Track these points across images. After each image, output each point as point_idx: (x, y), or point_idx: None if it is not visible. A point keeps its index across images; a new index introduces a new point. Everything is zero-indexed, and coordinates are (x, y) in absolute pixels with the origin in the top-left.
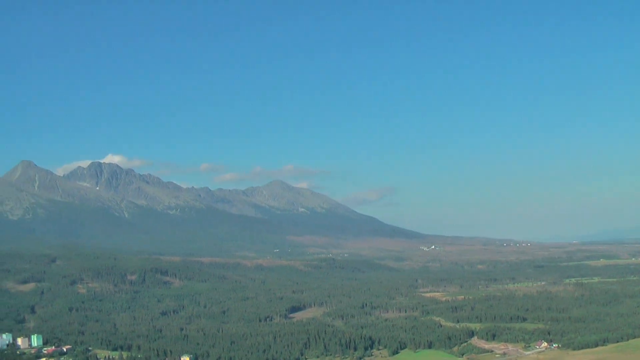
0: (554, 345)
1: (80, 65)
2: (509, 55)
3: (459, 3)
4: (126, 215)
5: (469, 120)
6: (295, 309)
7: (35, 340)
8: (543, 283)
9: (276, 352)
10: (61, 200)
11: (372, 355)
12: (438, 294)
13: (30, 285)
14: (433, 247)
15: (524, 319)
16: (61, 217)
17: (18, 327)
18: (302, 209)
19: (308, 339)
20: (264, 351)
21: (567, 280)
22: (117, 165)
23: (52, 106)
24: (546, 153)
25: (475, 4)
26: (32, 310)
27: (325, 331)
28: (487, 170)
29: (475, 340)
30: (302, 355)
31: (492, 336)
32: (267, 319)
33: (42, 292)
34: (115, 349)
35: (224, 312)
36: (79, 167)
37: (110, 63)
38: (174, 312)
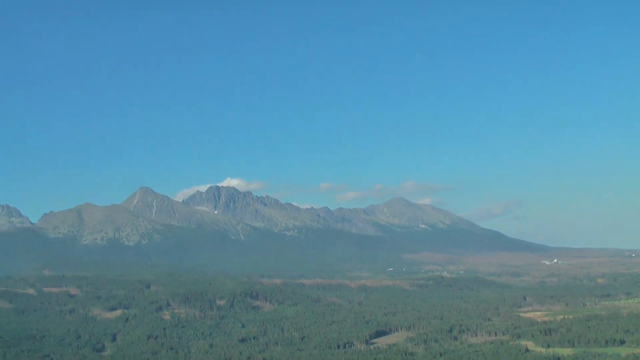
0: None
1: (198, 91)
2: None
3: None
4: (242, 238)
5: (598, 129)
6: (380, 334)
7: None
8: None
9: None
10: (178, 225)
11: None
12: (539, 313)
13: (117, 312)
14: (555, 260)
15: (622, 342)
16: (177, 241)
17: (94, 356)
18: (423, 225)
19: None
20: None
21: None
22: (235, 189)
23: (172, 133)
24: None
25: None
26: (114, 338)
27: None
28: (619, 176)
29: None
30: None
31: None
32: (347, 345)
33: (127, 319)
34: None
35: (302, 339)
36: (198, 191)
37: (227, 86)
38: (253, 338)
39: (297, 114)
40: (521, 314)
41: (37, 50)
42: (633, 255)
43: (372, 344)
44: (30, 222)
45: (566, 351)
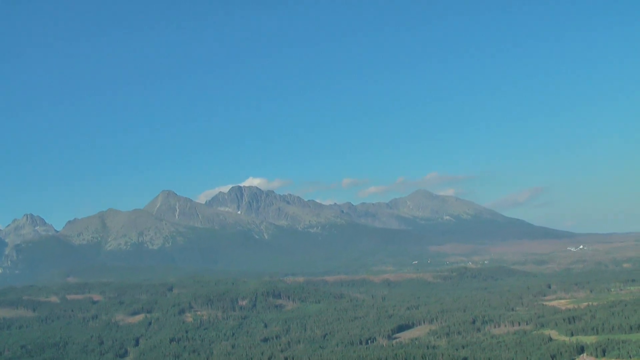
0: None
1: (216, 93)
2: None
3: None
4: (266, 237)
5: (621, 113)
6: (403, 328)
7: None
8: None
9: None
10: (201, 227)
11: None
12: (564, 301)
13: (140, 317)
14: (581, 246)
15: None
16: (201, 243)
17: None
18: (447, 217)
19: None
20: None
21: None
22: (258, 188)
23: (192, 135)
24: None
25: None
26: (137, 343)
27: (414, 356)
28: None
29: (583, 358)
30: None
31: (603, 352)
32: (369, 341)
33: (150, 323)
34: None
35: (324, 336)
36: (220, 192)
37: (245, 85)
38: (276, 337)
39: (316, 111)
40: (545, 303)
41: (51, 59)
42: None
43: (395, 338)
44: (55, 230)
45: (590, 339)
